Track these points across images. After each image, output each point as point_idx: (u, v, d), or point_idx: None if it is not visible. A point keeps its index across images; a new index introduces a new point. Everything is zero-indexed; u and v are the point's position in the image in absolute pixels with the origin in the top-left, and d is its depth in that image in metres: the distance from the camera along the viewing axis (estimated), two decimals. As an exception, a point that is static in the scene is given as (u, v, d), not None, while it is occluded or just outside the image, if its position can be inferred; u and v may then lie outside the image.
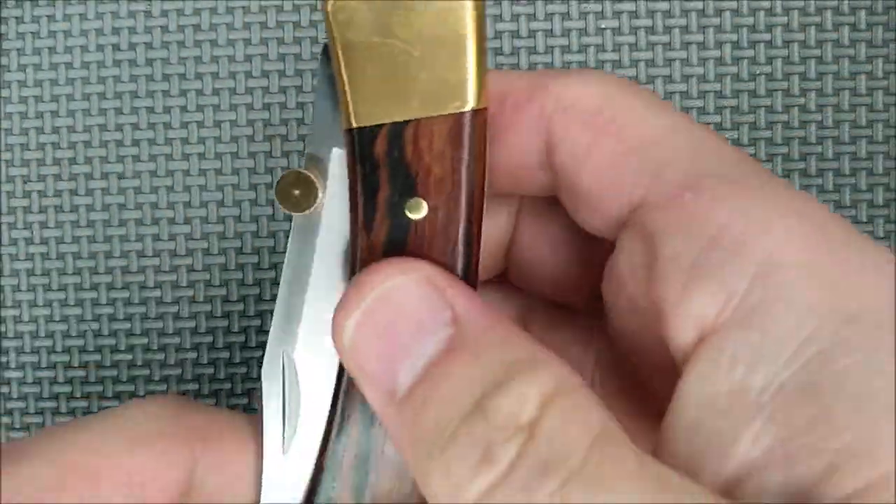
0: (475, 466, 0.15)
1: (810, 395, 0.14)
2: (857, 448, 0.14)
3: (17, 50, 0.28)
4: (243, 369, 0.28)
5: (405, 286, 0.17)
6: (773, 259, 0.15)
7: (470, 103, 0.17)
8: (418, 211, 0.17)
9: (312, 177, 0.18)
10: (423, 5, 0.16)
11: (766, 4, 0.27)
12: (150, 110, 0.28)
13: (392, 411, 0.16)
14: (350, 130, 0.17)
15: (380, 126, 0.17)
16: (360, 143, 0.17)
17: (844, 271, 0.15)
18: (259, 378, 0.19)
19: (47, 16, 0.28)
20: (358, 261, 0.18)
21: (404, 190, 0.17)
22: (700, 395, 0.15)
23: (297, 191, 0.18)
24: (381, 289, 0.17)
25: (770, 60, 0.27)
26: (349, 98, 0.17)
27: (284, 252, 0.28)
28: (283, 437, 0.19)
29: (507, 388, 0.16)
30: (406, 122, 0.17)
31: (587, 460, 0.15)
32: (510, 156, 0.18)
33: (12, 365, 0.28)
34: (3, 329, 0.28)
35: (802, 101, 0.27)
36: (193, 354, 0.28)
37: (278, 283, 0.27)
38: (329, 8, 0.17)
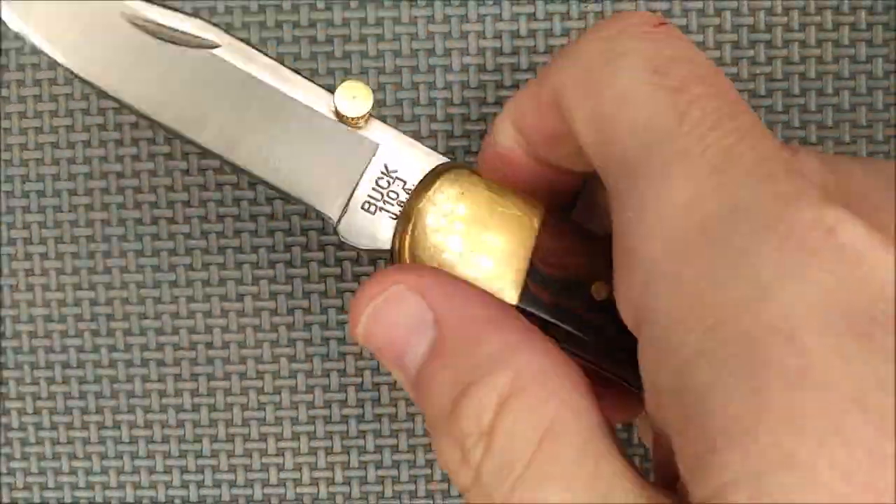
0: (458, 464, 0.17)
1: (677, 402, 0.15)
2: (706, 457, 0.15)
3: (16, 49, 0.28)
4: (241, 368, 0.28)
5: (400, 292, 0.19)
6: (655, 268, 0.16)
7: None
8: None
9: None
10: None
11: (767, 4, 0.27)
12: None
13: (408, 386, 0.19)
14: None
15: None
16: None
17: (712, 281, 0.15)
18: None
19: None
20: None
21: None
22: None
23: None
24: (384, 294, 0.19)
25: (770, 60, 0.27)
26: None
27: (283, 252, 0.28)
28: None
29: (471, 392, 0.17)
30: None
31: (531, 461, 0.16)
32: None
33: (10, 365, 0.28)
34: (1, 329, 0.28)
35: (803, 100, 0.27)
36: (192, 354, 0.28)
37: (277, 283, 0.28)
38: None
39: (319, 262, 0.28)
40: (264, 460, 0.28)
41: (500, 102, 0.27)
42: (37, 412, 0.28)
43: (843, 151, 0.27)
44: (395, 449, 0.28)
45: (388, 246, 0.21)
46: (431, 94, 0.28)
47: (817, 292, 0.15)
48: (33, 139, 0.28)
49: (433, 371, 0.18)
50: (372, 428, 0.28)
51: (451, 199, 0.21)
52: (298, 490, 0.28)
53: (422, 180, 0.21)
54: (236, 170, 0.21)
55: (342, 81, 0.21)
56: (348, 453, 0.28)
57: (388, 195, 0.21)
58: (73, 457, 0.28)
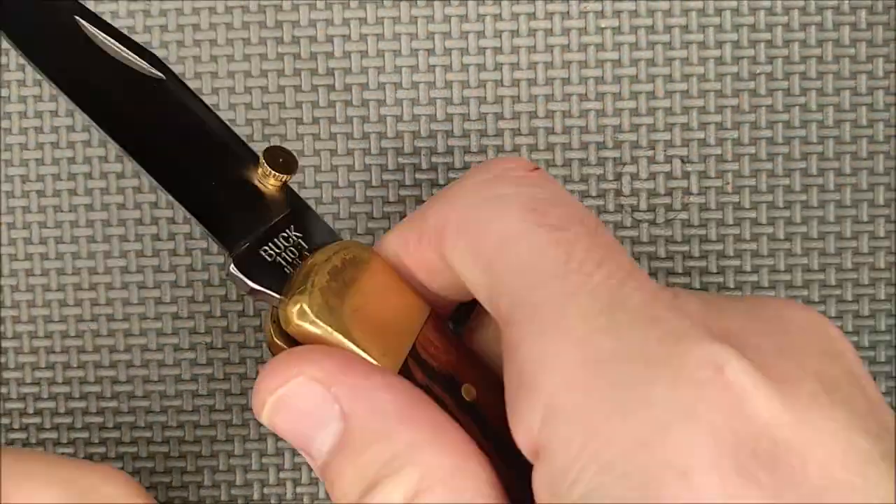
0: None
1: None
2: None
3: (17, 51, 0.28)
4: (241, 369, 0.28)
5: (300, 385, 0.19)
6: (553, 403, 0.17)
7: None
8: None
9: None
10: None
11: (767, 4, 0.27)
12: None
13: (317, 472, 0.19)
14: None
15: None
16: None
17: (608, 418, 0.16)
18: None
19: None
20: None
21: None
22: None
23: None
24: (286, 387, 0.19)
25: (770, 60, 0.27)
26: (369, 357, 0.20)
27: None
28: None
29: (377, 490, 0.17)
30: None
31: None
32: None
33: (11, 365, 0.28)
34: (1, 329, 0.28)
35: (803, 100, 0.27)
36: (192, 355, 0.28)
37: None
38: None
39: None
40: (264, 460, 0.28)
41: (499, 102, 0.27)
42: (37, 413, 0.28)
43: (843, 152, 0.27)
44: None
45: (277, 292, 0.21)
46: (431, 93, 0.27)
47: (708, 430, 0.15)
48: (33, 139, 0.28)
49: (340, 465, 0.18)
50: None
51: (349, 266, 0.21)
52: (298, 490, 0.28)
53: (324, 246, 0.22)
54: (154, 183, 0.22)
55: (270, 146, 0.22)
56: (348, 453, 0.28)
57: (288, 251, 0.22)
58: (74, 458, 0.28)
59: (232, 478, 0.28)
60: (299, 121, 0.28)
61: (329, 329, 0.20)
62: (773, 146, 0.27)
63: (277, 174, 0.22)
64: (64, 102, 0.28)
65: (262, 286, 0.21)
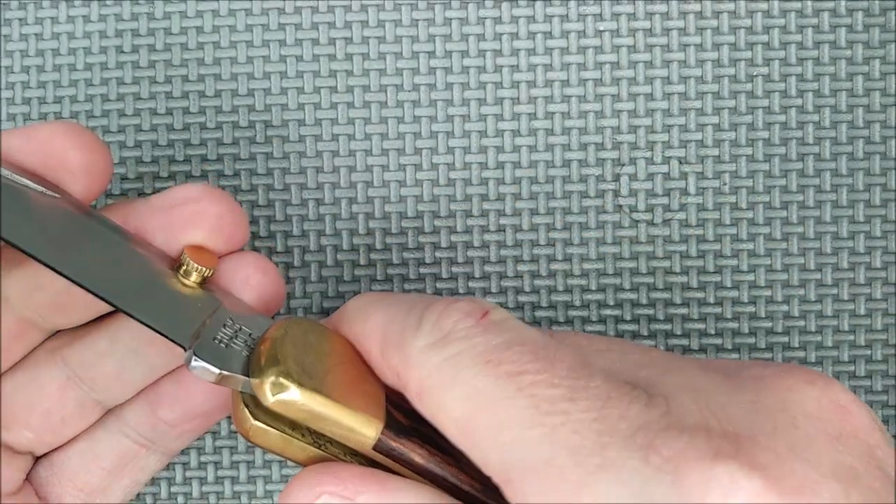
0: None
1: None
2: None
3: (21, 51, 0.28)
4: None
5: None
6: None
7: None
8: None
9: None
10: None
11: (764, 6, 0.28)
12: (153, 112, 0.28)
13: None
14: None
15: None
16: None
17: None
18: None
19: (50, 18, 0.28)
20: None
21: None
22: None
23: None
24: None
25: (768, 62, 0.28)
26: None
27: (284, 253, 0.28)
28: None
29: None
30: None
31: None
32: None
33: None
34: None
35: (800, 101, 0.28)
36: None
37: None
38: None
39: (320, 263, 0.28)
40: (267, 457, 0.28)
41: (499, 103, 0.28)
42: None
43: (840, 153, 0.28)
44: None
45: (242, 373, 0.20)
46: (432, 95, 0.28)
47: None
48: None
49: None
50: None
51: (310, 333, 0.21)
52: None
53: (268, 327, 0.21)
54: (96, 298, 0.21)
55: (188, 245, 0.22)
56: (350, 451, 0.28)
57: (238, 336, 0.21)
58: (78, 454, 0.28)
59: (236, 474, 0.28)
60: (301, 122, 0.28)
61: (312, 392, 0.19)
62: (771, 147, 0.28)
63: (201, 269, 0.22)
64: (66, 104, 0.28)
65: (230, 371, 0.20)
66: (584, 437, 0.17)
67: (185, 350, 0.20)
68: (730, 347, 0.28)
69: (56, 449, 0.24)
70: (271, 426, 0.20)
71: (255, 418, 0.20)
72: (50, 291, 0.22)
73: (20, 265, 0.22)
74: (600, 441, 0.17)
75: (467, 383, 0.19)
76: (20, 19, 0.28)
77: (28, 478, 0.24)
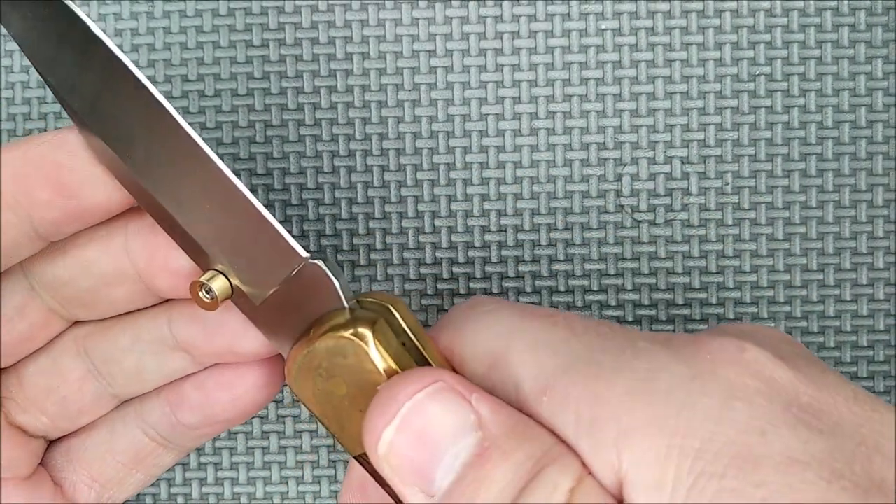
0: None
1: None
2: None
3: (21, 51, 0.28)
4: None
5: (433, 396, 0.19)
6: (623, 429, 0.18)
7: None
8: None
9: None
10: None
11: (766, 5, 0.27)
12: (153, 111, 0.28)
13: (438, 498, 0.19)
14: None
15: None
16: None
17: (676, 414, 0.18)
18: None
19: (50, 17, 0.28)
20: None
21: None
22: None
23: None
24: (413, 400, 0.19)
25: (770, 61, 0.28)
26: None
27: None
28: None
29: (539, 480, 0.18)
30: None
31: None
32: None
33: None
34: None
35: (802, 101, 0.28)
36: (195, 354, 0.28)
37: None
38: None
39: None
40: (266, 458, 0.28)
41: (500, 103, 0.28)
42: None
43: (842, 152, 0.27)
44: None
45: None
46: (433, 94, 0.28)
47: (758, 395, 0.18)
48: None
49: (485, 473, 0.18)
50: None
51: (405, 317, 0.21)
52: (301, 488, 0.28)
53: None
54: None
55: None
56: (350, 452, 0.28)
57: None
58: None
59: (235, 475, 0.28)
60: (300, 122, 0.28)
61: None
62: (773, 147, 0.28)
63: (212, 295, 0.22)
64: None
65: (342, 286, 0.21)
66: (616, 340, 0.20)
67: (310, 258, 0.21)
68: (732, 348, 0.28)
69: (73, 437, 0.25)
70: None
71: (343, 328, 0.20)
72: (77, 287, 0.23)
73: (51, 262, 0.23)
74: (628, 342, 0.19)
75: (505, 324, 0.20)
76: (19, 18, 0.28)
77: (43, 462, 0.25)
